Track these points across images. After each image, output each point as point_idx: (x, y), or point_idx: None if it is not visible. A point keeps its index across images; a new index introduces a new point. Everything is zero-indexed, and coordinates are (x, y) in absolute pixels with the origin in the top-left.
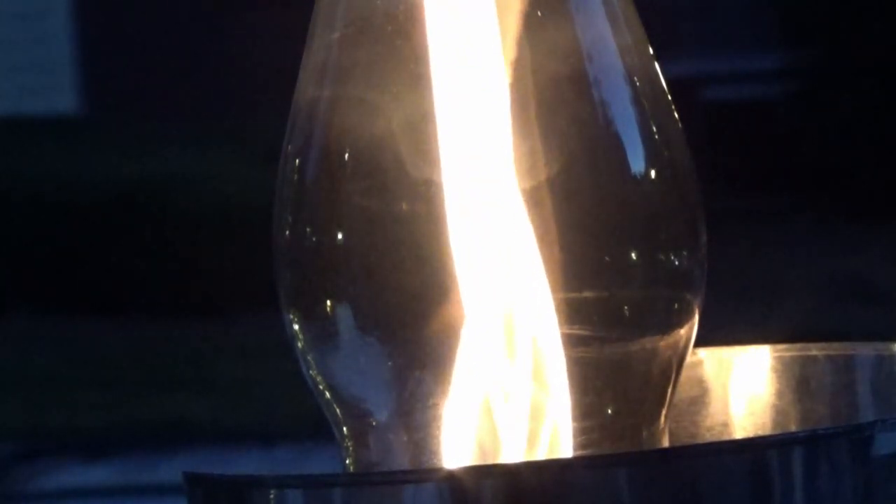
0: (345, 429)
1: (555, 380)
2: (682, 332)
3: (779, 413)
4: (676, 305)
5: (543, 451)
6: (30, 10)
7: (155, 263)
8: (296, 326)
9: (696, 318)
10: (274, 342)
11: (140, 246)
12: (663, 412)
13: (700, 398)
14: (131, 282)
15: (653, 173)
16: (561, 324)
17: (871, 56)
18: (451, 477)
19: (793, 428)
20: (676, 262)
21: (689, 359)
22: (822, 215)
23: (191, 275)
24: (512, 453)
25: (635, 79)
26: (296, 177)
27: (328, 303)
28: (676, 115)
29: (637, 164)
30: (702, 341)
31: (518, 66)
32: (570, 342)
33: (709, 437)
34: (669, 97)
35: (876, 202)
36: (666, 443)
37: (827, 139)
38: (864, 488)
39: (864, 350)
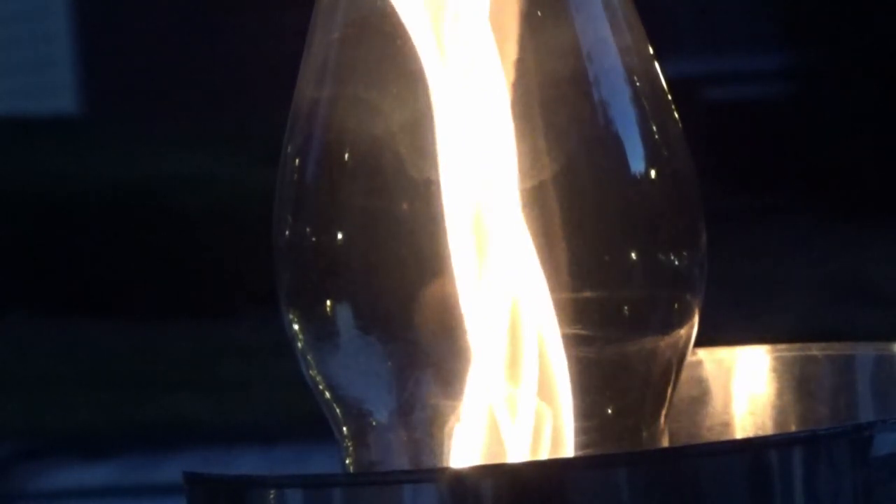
0: (345, 429)
1: (557, 379)
2: (682, 332)
3: (779, 413)
4: (676, 305)
5: (544, 451)
6: (30, 10)
7: (154, 263)
8: (296, 326)
9: (696, 318)
10: (274, 342)
11: (140, 246)
12: (663, 412)
13: (700, 398)
14: (131, 282)
15: (653, 173)
16: (562, 324)
17: (871, 56)
18: (451, 477)
19: (793, 428)
20: (676, 262)
21: (689, 359)
22: (822, 215)
23: (190, 275)
24: (512, 453)
25: (635, 79)
26: (296, 177)
27: (328, 303)
28: (676, 115)
29: (637, 164)
30: (702, 341)
31: (519, 66)
32: (571, 342)
33: (709, 437)
34: (669, 97)
35: (875, 202)
36: (666, 443)
37: (827, 139)
38: (864, 488)
39: (864, 350)
